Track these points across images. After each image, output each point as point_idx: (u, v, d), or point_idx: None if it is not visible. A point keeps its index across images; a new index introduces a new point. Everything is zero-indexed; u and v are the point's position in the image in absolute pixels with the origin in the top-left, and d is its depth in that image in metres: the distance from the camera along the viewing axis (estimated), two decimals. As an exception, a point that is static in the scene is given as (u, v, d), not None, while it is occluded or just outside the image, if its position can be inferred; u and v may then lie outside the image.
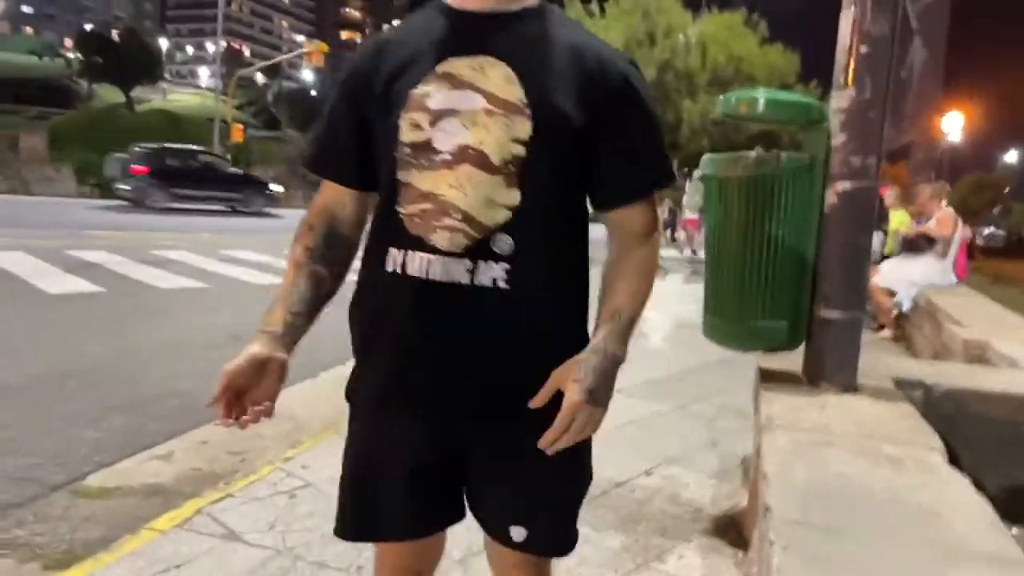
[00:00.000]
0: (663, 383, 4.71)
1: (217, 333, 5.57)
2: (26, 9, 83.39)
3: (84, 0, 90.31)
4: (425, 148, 1.11)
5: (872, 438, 2.00)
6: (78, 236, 11.54)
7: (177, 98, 61.74)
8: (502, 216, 1.09)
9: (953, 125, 34.89)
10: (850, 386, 2.49)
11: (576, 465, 1.25)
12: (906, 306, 6.22)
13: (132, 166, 19.21)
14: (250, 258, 10.44)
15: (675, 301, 8.61)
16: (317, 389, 4.18)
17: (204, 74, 74.18)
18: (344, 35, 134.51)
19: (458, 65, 1.10)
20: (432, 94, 1.10)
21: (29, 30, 79.38)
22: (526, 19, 1.14)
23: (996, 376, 3.06)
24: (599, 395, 1.12)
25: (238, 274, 8.87)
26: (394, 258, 1.13)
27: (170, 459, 3.13)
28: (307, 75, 72.72)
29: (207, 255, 10.37)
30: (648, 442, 3.57)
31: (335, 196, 1.25)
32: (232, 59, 64.83)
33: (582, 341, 1.17)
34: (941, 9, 2.44)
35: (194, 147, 23.07)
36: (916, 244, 6.94)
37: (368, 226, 1.23)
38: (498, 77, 1.09)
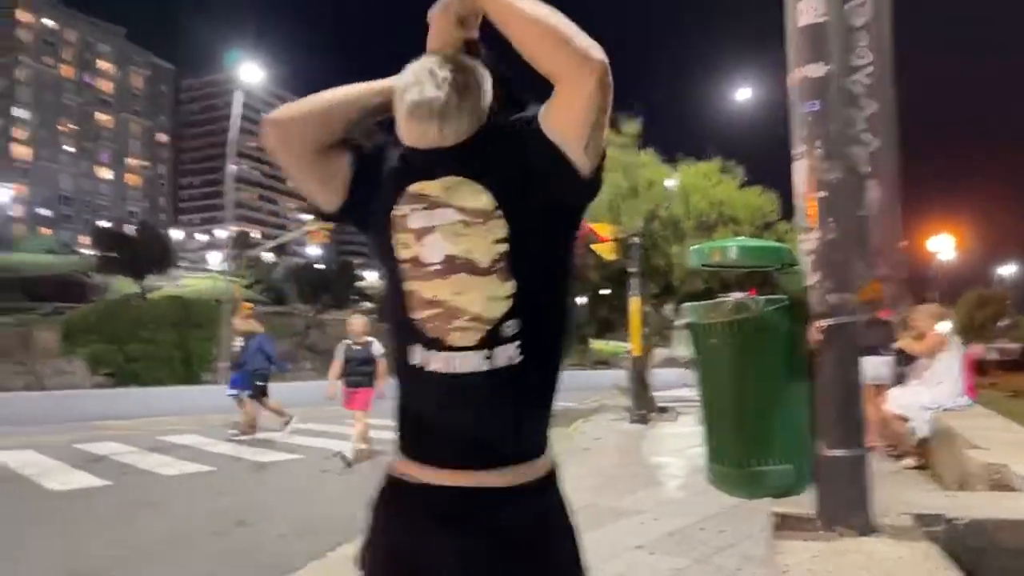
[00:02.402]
0: (683, 535, 4.52)
1: (223, 519, 5.43)
2: (43, 212, 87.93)
3: (99, 200, 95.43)
4: (419, 263, 1.22)
5: (892, 584, 1.91)
6: (87, 429, 11.51)
7: (188, 283, 63.70)
8: (505, 306, 1.18)
9: (943, 246, 35.67)
10: (867, 527, 2.41)
11: None
12: (923, 432, 6.07)
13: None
14: (257, 436, 10.35)
15: (687, 445, 8.43)
16: (327, 569, 4.02)
17: (215, 258, 77.05)
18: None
19: (429, 186, 1.22)
20: (410, 215, 1.22)
21: (46, 231, 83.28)
22: (473, 147, 1.22)
23: (1018, 501, 2.96)
24: None
25: (244, 454, 8.76)
26: (421, 356, 1.21)
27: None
28: (313, 250, 75.54)
29: (214, 437, 10.29)
30: (671, 603, 3.38)
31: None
32: (240, 241, 67.57)
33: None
34: (890, 151, 2.59)
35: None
36: (899, 359, 6.97)
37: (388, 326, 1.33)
38: (466, 192, 1.19)
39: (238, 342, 11.33)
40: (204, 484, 6.96)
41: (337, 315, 47.91)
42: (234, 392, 10.72)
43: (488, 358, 1.17)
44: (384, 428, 11.47)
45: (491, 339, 1.17)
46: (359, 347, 7.84)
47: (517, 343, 1.18)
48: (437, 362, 1.20)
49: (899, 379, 7.13)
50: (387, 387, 7.38)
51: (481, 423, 1.20)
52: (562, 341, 1.26)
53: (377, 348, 7.79)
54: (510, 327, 1.18)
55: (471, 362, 1.17)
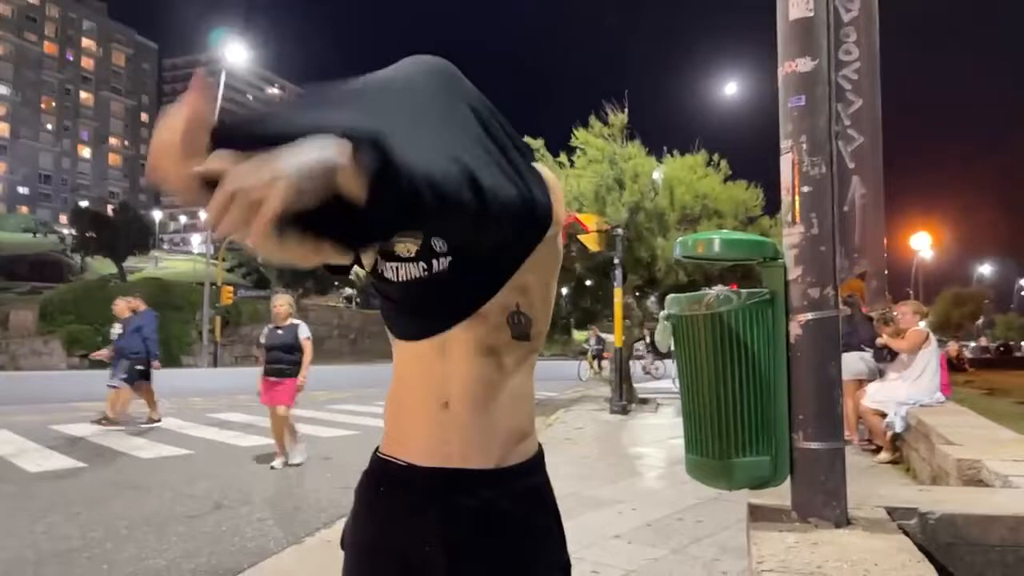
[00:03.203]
0: (661, 525, 4.56)
1: (200, 502, 5.40)
2: (22, 190, 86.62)
3: (80, 179, 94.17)
4: None
5: (865, 576, 1.93)
6: (64, 410, 11.40)
7: (169, 265, 63.14)
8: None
9: (922, 243, 36.11)
10: (842, 520, 2.43)
11: None
12: (899, 427, 6.16)
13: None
14: (236, 420, 10.30)
15: (668, 436, 8.50)
16: (305, 553, 4.01)
17: (196, 240, 76.27)
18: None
19: None
20: None
21: (24, 209, 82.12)
22: None
23: (991, 497, 3.00)
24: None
25: (223, 438, 8.72)
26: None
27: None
28: (296, 235, 74.96)
29: (193, 420, 10.23)
30: (647, 592, 3.41)
31: None
32: (223, 225, 66.78)
33: None
34: (874, 148, 2.60)
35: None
36: (879, 354, 7.07)
37: None
38: None
39: (116, 328, 9.93)
40: (181, 467, 6.92)
41: (320, 300, 47.75)
42: (114, 384, 9.54)
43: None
44: (370, 415, 11.42)
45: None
46: (281, 331, 6.70)
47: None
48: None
49: (879, 374, 7.23)
50: (310, 377, 6.80)
51: None
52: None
53: (304, 331, 6.76)
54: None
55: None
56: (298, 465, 6.84)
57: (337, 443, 8.44)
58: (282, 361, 6.61)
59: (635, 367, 14.24)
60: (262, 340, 6.79)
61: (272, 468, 6.73)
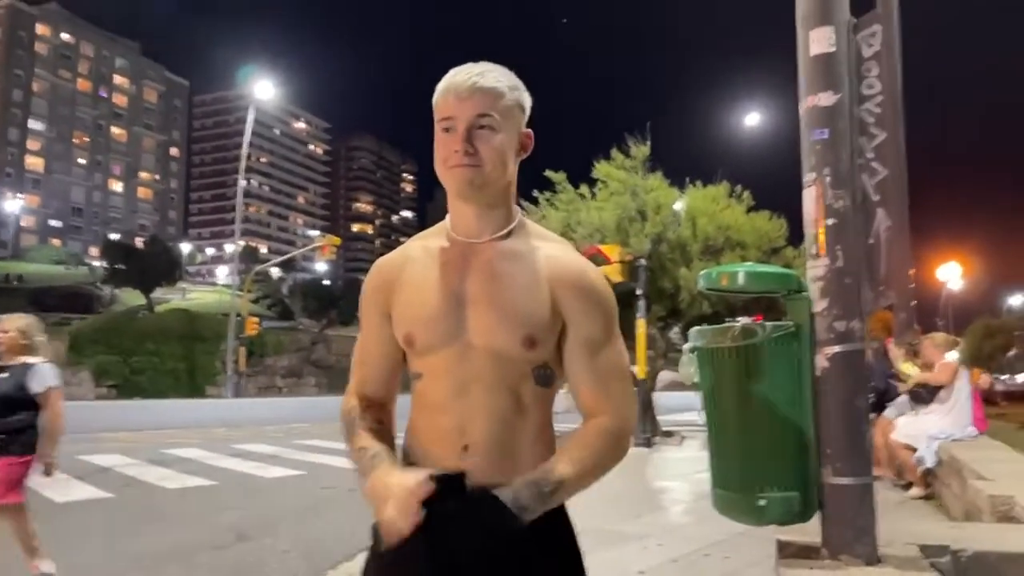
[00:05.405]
0: (687, 561, 4.49)
1: (224, 534, 5.42)
2: (54, 223, 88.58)
3: (111, 212, 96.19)
4: None
5: (898, 615, 1.89)
6: (91, 440, 11.53)
7: (196, 296, 63.99)
8: None
9: (951, 274, 35.61)
10: (872, 557, 2.39)
11: None
12: (930, 462, 6.02)
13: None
14: (260, 451, 10.34)
15: (693, 469, 8.39)
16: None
17: (222, 272, 77.39)
18: (355, 228, 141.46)
19: None
20: None
21: (56, 242, 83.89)
22: None
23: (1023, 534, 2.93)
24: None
25: (247, 469, 8.75)
26: None
27: None
28: (320, 266, 75.78)
29: (217, 451, 10.29)
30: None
31: None
32: (249, 256, 67.97)
33: None
34: (898, 180, 2.60)
35: None
36: (919, 395, 6.87)
37: None
38: None
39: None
40: (206, 498, 6.95)
41: (343, 331, 47.99)
42: None
43: None
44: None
45: None
46: (6, 374, 4.00)
47: None
48: None
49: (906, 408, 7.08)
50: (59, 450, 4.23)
51: None
52: None
53: (45, 377, 4.05)
54: None
55: None
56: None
57: None
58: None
59: (664, 397, 14.01)
60: None
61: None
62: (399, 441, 1.34)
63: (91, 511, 6.30)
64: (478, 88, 1.19)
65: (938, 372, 6.49)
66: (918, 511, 5.78)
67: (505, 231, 1.26)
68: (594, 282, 1.26)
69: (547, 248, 1.27)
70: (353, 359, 1.39)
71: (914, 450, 6.24)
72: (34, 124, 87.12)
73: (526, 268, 1.23)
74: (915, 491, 6.27)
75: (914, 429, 6.40)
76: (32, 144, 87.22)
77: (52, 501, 6.64)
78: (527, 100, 1.27)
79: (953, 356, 6.68)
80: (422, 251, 1.30)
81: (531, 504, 1.13)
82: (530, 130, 1.29)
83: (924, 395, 6.76)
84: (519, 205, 1.34)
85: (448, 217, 1.30)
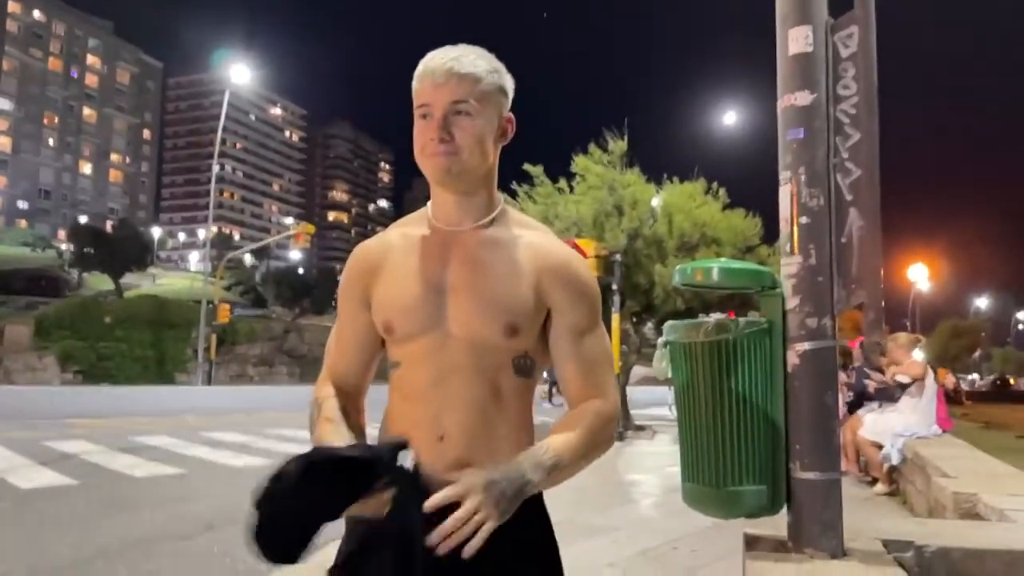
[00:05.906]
0: (656, 553, 4.53)
1: (191, 523, 5.36)
2: (21, 204, 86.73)
3: (80, 195, 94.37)
4: None
5: (861, 608, 1.93)
6: (57, 426, 11.33)
7: (166, 282, 63.08)
8: None
9: (920, 275, 36.25)
10: (838, 551, 2.42)
11: None
12: (895, 459, 6.14)
13: None
14: (230, 440, 10.24)
15: (664, 463, 8.47)
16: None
17: (194, 258, 76.31)
18: (331, 216, 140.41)
19: None
20: None
21: (23, 223, 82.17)
22: None
23: (987, 531, 3.00)
24: (498, 490, 1.06)
25: (217, 457, 8.65)
26: None
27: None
28: (294, 254, 75.09)
29: (186, 439, 10.16)
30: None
31: None
32: (222, 243, 67.10)
33: None
34: (872, 180, 2.63)
35: None
36: (889, 393, 6.99)
37: None
38: None
39: None
40: (174, 486, 6.87)
41: (316, 320, 47.67)
42: None
43: None
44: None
45: None
46: None
47: None
48: None
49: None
50: None
51: None
52: None
53: None
54: None
55: None
56: None
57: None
58: None
59: (637, 392, 14.03)
60: None
61: None
62: (372, 431, 1.33)
63: (56, 498, 6.19)
64: (454, 73, 1.17)
65: (910, 366, 6.61)
66: (883, 507, 5.90)
67: (487, 219, 1.25)
68: (579, 270, 1.26)
69: (530, 236, 1.26)
70: (328, 346, 1.38)
71: (881, 447, 6.36)
72: (2, 103, 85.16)
73: (508, 256, 1.23)
74: (880, 487, 6.39)
75: (880, 426, 6.52)
76: (0, 124, 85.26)
77: (17, 488, 6.52)
78: (509, 83, 1.25)
79: (919, 355, 6.81)
80: (402, 238, 1.28)
81: (534, 476, 1.11)
82: (512, 115, 1.28)
83: (896, 392, 6.89)
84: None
85: (429, 204, 1.29)
